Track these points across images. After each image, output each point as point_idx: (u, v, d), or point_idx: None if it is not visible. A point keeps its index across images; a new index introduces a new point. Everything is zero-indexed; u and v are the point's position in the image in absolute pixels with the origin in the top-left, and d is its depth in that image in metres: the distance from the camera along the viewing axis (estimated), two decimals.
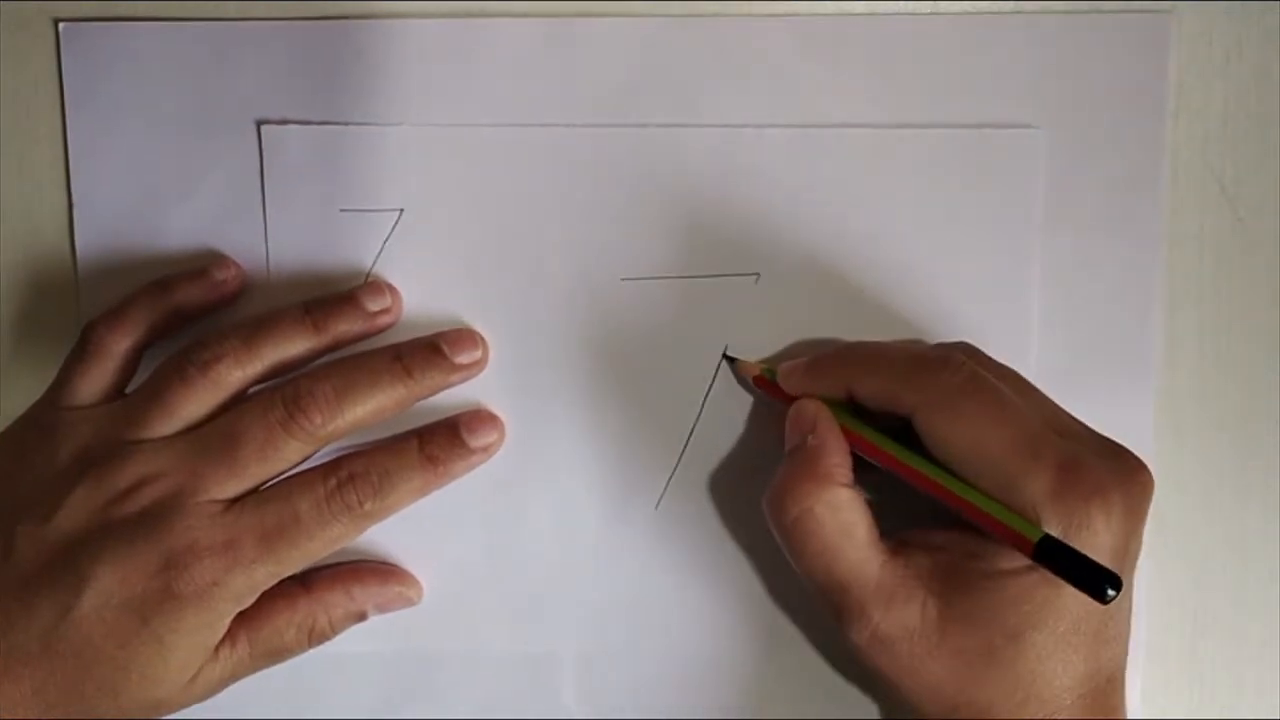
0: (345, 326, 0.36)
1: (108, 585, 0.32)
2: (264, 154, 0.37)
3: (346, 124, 0.37)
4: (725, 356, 0.37)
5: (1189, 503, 0.39)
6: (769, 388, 0.36)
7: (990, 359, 0.35)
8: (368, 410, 0.34)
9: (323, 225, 0.37)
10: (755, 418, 0.38)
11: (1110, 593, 0.28)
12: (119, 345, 0.35)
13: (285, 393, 0.34)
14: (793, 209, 0.37)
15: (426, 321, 0.37)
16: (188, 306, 0.36)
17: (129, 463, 0.33)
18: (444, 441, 0.36)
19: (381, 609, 0.37)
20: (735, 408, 0.38)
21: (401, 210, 0.37)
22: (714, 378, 0.38)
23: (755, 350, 0.38)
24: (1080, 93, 0.37)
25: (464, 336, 0.37)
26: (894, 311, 0.38)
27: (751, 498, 0.38)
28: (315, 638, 0.36)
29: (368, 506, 0.34)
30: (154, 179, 0.37)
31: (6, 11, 0.37)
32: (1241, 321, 0.39)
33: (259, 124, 0.37)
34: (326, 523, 0.34)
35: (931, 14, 0.37)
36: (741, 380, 0.38)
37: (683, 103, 0.37)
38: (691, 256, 0.37)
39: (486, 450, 0.37)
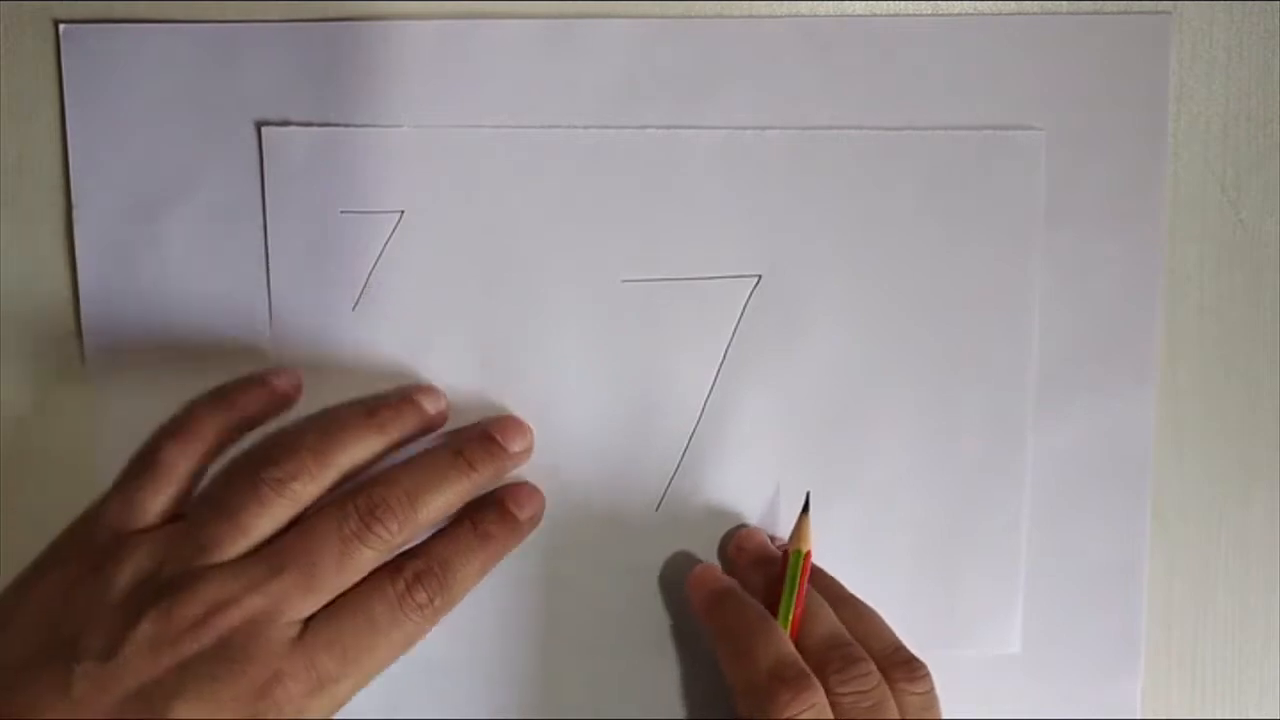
0: (408, 429, 0.36)
1: None
2: (264, 155, 0.37)
3: (346, 125, 0.37)
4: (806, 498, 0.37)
5: (1190, 502, 0.39)
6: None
7: (919, 697, 0.34)
8: (437, 511, 0.34)
9: (323, 227, 0.37)
10: (755, 420, 0.38)
11: None
12: (187, 465, 0.34)
13: (358, 505, 0.33)
14: (794, 211, 0.37)
15: (426, 324, 0.37)
16: (251, 419, 0.35)
17: (199, 589, 0.31)
18: (497, 519, 0.36)
19: None
20: (736, 409, 0.38)
21: (402, 212, 0.37)
22: (715, 379, 0.38)
23: (757, 352, 0.37)
24: (1081, 94, 0.37)
25: (512, 425, 0.37)
26: (894, 313, 0.38)
27: (752, 500, 0.38)
28: None
29: (436, 603, 0.34)
30: (154, 180, 0.37)
31: (6, 13, 0.37)
32: (1243, 322, 0.39)
33: (259, 125, 0.37)
34: (401, 624, 0.33)
35: (933, 15, 0.37)
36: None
37: (683, 104, 0.37)
38: (692, 258, 0.37)
39: (534, 522, 0.37)
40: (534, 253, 0.37)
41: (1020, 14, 0.37)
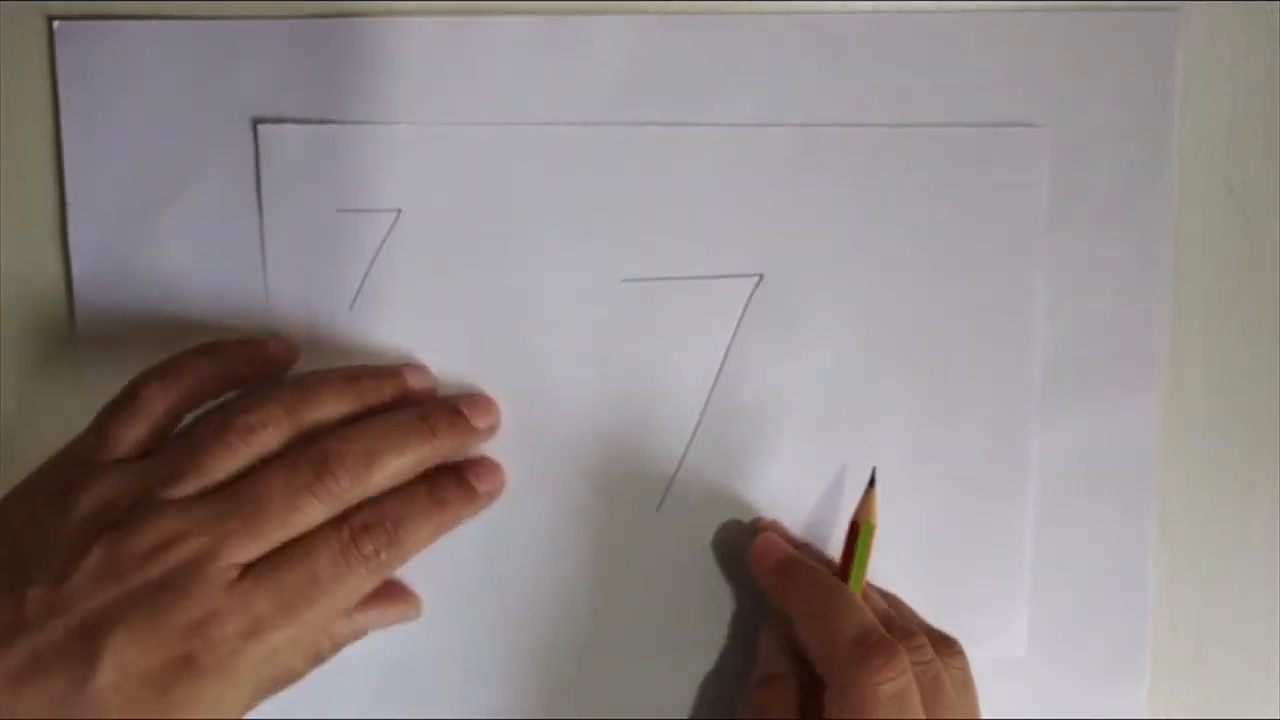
0: (387, 402, 0.36)
1: (126, 656, 0.31)
2: (260, 153, 0.37)
3: (343, 123, 0.37)
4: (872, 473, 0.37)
5: (1194, 503, 0.39)
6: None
7: (959, 672, 0.35)
8: (392, 472, 0.34)
9: (320, 225, 0.37)
10: (757, 420, 0.38)
11: None
12: (164, 404, 0.34)
13: (312, 456, 0.33)
14: (795, 209, 0.37)
15: (422, 322, 0.37)
16: (236, 375, 0.36)
17: (150, 523, 0.32)
18: (453, 486, 0.36)
19: (382, 626, 0.37)
20: (737, 409, 0.38)
21: (399, 210, 0.37)
22: (716, 379, 0.38)
23: (757, 351, 0.37)
24: (1086, 91, 0.37)
25: (481, 402, 0.37)
26: (897, 311, 0.38)
27: (753, 499, 0.38)
28: (318, 660, 0.35)
29: (383, 556, 0.34)
30: (149, 178, 0.37)
31: (1, 10, 0.37)
32: (1247, 321, 0.39)
33: (255, 122, 0.37)
34: (344, 576, 0.33)
35: (936, 11, 0.37)
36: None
37: (684, 101, 0.37)
38: (693, 257, 0.37)
39: (491, 496, 0.37)
40: (533, 251, 0.37)
41: (1025, 10, 0.37)
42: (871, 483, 0.36)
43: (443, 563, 0.38)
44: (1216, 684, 0.39)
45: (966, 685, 0.35)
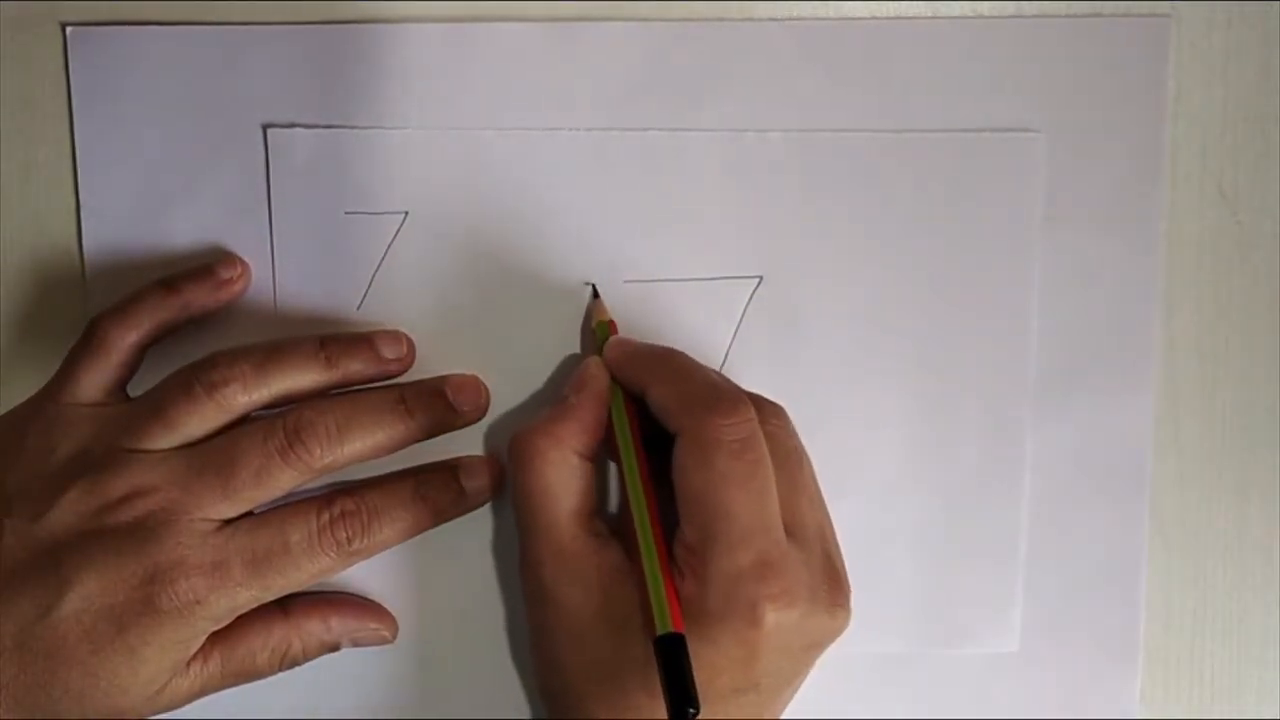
0: (357, 367, 0.36)
1: (90, 590, 0.32)
2: (269, 157, 0.37)
3: (352, 127, 0.37)
4: (593, 288, 0.37)
5: (1188, 502, 0.39)
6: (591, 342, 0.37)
7: (789, 432, 0.34)
8: (366, 447, 0.35)
9: (328, 228, 0.37)
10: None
11: (690, 711, 0.28)
12: (124, 341, 0.35)
13: (287, 422, 0.34)
14: (794, 212, 0.37)
15: (430, 323, 0.37)
16: (194, 305, 0.36)
17: (124, 472, 0.33)
18: (440, 484, 0.36)
19: (356, 643, 0.37)
20: None
21: (406, 213, 0.37)
22: None
23: (757, 351, 0.38)
24: (1080, 96, 0.37)
25: (468, 384, 0.37)
26: (894, 314, 0.38)
27: None
28: (287, 662, 0.36)
29: (355, 545, 0.34)
30: (160, 182, 0.37)
31: (14, 15, 0.37)
32: (1240, 323, 0.39)
33: (265, 127, 0.37)
34: (315, 556, 0.34)
35: (932, 17, 0.37)
36: (587, 315, 0.37)
37: (685, 106, 0.37)
38: (694, 259, 0.37)
39: (481, 495, 0.37)
40: (537, 254, 0.37)
41: (1019, 16, 0.37)
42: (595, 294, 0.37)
43: (445, 561, 0.38)
44: (1210, 682, 0.39)
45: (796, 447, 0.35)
